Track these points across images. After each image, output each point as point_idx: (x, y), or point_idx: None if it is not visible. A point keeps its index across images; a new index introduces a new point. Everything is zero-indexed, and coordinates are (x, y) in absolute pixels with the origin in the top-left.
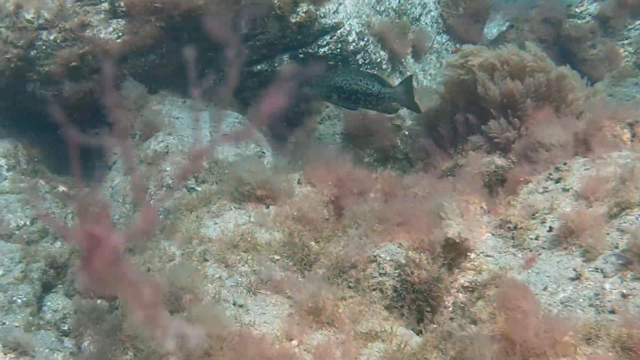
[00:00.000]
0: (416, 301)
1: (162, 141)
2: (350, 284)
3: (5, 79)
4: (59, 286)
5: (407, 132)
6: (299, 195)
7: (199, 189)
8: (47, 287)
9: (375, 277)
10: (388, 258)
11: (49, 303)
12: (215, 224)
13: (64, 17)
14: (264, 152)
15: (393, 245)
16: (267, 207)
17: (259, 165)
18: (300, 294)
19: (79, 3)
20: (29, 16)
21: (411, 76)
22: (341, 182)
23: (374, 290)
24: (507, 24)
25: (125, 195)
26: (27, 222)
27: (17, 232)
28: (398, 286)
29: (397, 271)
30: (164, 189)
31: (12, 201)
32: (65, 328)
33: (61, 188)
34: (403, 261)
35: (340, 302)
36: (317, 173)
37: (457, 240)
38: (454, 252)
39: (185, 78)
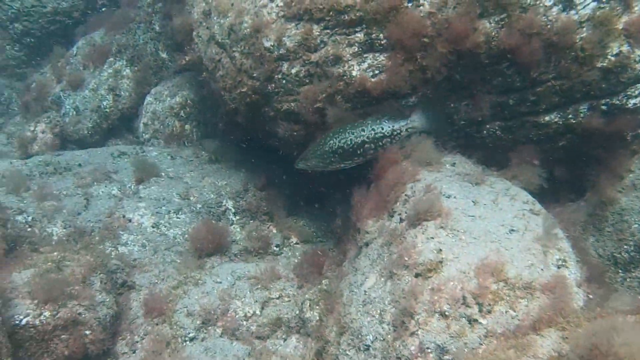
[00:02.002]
0: None
1: (433, 240)
2: None
3: (241, 116)
4: None
5: None
6: None
7: (484, 321)
8: None
9: None
10: None
11: None
12: None
13: (309, 47)
14: None
15: None
16: None
17: None
18: None
19: (327, 31)
20: (268, 44)
21: (428, 98)
22: None
23: None
24: None
25: (384, 310)
26: (257, 310)
27: (244, 323)
28: None
29: None
30: (437, 316)
31: (241, 275)
32: None
33: (293, 239)
34: None
35: None
36: None
37: None
38: None
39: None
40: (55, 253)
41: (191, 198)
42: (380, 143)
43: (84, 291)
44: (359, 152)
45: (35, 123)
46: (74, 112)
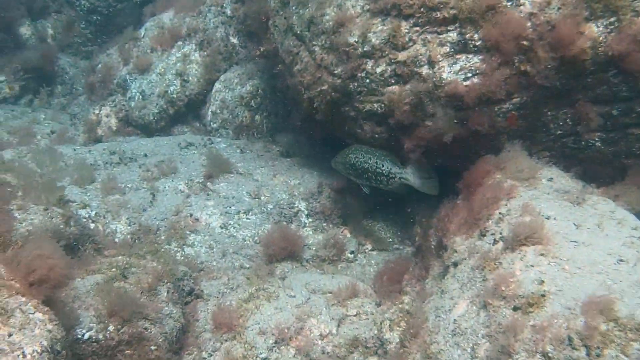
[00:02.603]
0: None
1: (533, 268)
2: None
3: (319, 114)
4: None
5: None
6: None
7: None
8: None
9: None
10: None
11: None
12: None
13: (396, 45)
14: None
15: None
16: None
17: None
18: None
19: (417, 29)
20: (351, 39)
21: (420, 162)
22: None
23: None
24: None
25: (477, 344)
26: (333, 328)
27: (319, 343)
28: None
29: None
30: (539, 357)
31: (316, 289)
32: None
33: (368, 246)
34: None
35: None
36: None
37: None
38: None
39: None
40: (120, 257)
41: (262, 197)
42: (379, 178)
43: (150, 303)
44: (364, 176)
45: (100, 106)
46: (140, 97)
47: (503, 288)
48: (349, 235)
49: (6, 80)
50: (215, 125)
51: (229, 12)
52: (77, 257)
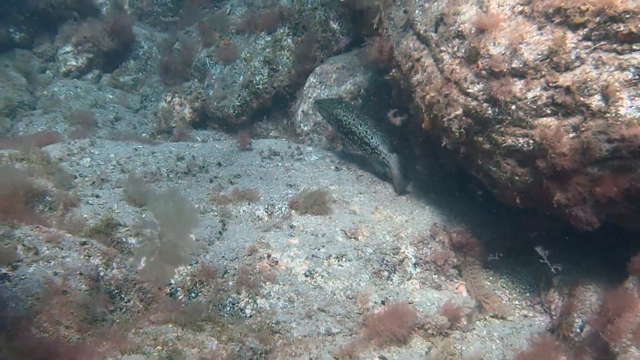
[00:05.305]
0: None
1: None
2: None
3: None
4: None
5: None
6: None
7: None
8: None
9: None
10: None
11: None
12: None
13: (557, 64)
14: None
15: None
16: None
17: None
18: None
19: (587, 44)
20: (496, 50)
21: (406, 162)
22: None
23: None
24: None
25: None
26: None
27: None
28: None
29: None
30: None
31: None
32: None
33: (489, 309)
34: None
35: None
36: None
37: None
38: None
39: None
40: (169, 327)
41: (359, 238)
42: (364, 146)
43: None
44: (349, 135)
45: (173, 92)
46: (220, 85)
47: None
48: (464, 292)
49: (72, 51)
50: (306, 127)
51: None
52: (114, 316)
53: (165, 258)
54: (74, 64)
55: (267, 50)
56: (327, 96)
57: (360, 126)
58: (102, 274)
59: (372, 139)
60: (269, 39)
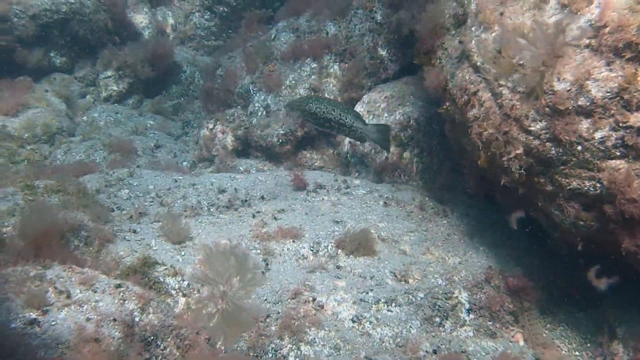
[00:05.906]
0: None
1: None
2: None
3: (500, 179)
4: None
5: None
6: None
7: None
8: None
9: None
10: None
11: None
12: None
13: (628, 102)
14: None
15: None
16: None
17: None
18: None
19: None
20: (560, 86)
21: (387, 126)
22: None
23: None
24: None
25: None
26: None
27: None
28: None
29: None
30: None
31: None
32: None
33: None
34: None
35: None
36: None
37: None
38: None
39: None
40: None
41: (410, 281)
42: (341, 128)
43: None
44: (326, 125)
45: (215, 120)
46: (264, 113)
47: None
48: (521, 341)
49: (113, 76)
50: (353, 159)
51: (379, 17)
52: None
53: (229, 322)
54: (115, 88)
55: (312, 77)
56: None
57: (334, 111)
58: (137, 319)
59: (346, 119)
60: (315, 65)
